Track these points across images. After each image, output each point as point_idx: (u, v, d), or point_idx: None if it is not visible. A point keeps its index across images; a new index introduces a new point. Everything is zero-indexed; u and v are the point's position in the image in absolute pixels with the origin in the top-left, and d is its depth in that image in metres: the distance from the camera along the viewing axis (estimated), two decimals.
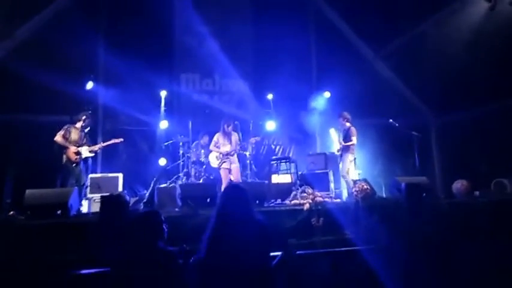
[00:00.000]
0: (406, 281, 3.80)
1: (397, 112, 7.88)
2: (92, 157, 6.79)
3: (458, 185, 6.21)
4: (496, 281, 4.09)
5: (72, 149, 6.35)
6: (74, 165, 6.32)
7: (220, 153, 7.17)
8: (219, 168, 7.24)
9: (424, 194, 5.43)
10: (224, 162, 7.17)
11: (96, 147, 6.78)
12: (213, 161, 7.38)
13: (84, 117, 6.63)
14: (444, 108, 8.39)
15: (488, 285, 4.00)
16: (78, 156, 6.36)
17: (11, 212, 5.01)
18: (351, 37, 9.31)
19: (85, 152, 6.51)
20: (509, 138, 6.99)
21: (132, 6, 8.67)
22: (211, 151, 7.42)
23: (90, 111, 6.88)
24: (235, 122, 7.62)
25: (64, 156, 6.31)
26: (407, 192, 5.29)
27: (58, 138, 6.35)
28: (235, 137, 7.34)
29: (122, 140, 7.00)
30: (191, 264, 2.81)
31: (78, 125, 6.61)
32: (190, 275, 2.79)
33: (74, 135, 6.48)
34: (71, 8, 8.12)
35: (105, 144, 6.91)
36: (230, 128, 7.27)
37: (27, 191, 4.87)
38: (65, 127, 6.48)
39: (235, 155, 7.31)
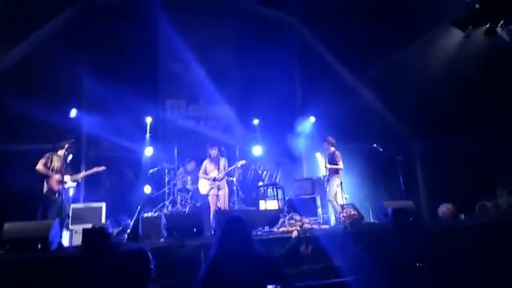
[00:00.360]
0: None
1: (382, 136, 7.98)
2: (74, 186, 6.63)
3: (443, 208, 6.29)
4: None
5: (55, 177, 6.17)
6: (56, 195, 6.12)
7: (209, 179, 7.17)
8: (207, 195, 7.20)
9: (411, 219, 5.47)
10: (212, 188, 7.14)
11: (78, 176, 6.63)
12: (202, 187, 7.34)
13: (66, 145, 6.47)
14: (427, 133, 8.54)
15: None
16: (60, 186, 6.15)
17: None
18: (334, 63, 9.48)
19: (67, 181, 6.34)
20: (491, 161, 7.13)
21: (117, 34, 8.70)
22: (200, 178, 7.38)
23: (73, 139, 6.73)
24: (222, 149, 7.60)
25: (45, 186, 6.13)
26: (393, 218, 5.34)
27: (40, 166, 6.16)
28: (223, 162, 7.33)
29: (104, 168, 6.85)
30: None
31: (60, 152, 6.44)
32: None
33: (56, 163, 6.30)
34: (54, 35, 8.07)
35: (88, 173, 6.78)
36: (215, 150, 7.29)
37: (6, 224, 4.72)
38: (47, 155, 6.30)
39: (224, 180, 7.28)
